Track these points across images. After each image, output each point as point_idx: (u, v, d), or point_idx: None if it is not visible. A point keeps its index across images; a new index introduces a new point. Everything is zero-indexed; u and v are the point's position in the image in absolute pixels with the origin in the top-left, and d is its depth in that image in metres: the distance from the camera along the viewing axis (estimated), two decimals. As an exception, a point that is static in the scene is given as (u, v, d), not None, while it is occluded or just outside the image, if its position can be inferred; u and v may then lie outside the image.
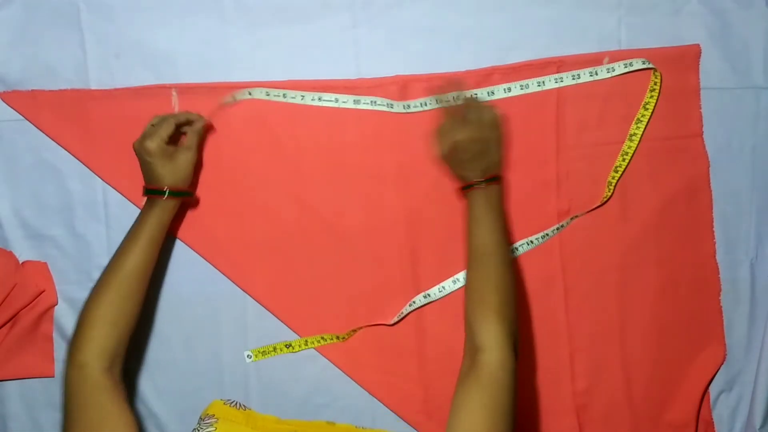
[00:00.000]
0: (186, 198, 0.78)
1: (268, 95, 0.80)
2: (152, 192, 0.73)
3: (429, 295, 0.83)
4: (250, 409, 0.73)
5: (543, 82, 0.80)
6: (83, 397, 0.63)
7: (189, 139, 0.76)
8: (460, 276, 0.83)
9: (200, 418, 0.70)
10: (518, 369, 0.64)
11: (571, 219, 0.84)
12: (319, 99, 0.80)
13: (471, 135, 0.73)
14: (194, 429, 0.67)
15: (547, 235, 0.84)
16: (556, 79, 0.80)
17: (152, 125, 0.75)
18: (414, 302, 0.83)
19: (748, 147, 0.85)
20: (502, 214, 0.74)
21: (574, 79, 0.80)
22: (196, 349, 0.86)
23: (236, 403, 0.73)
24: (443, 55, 0.81)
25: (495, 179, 0.75)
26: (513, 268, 0.72)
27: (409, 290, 0.84)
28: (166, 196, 0.73)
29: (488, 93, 0.80)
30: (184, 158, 0.75)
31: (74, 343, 0.67)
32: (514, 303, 0.69)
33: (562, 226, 0.84)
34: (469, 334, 0.67)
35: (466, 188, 0.75)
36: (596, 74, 0.80)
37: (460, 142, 0.73)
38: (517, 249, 0.83)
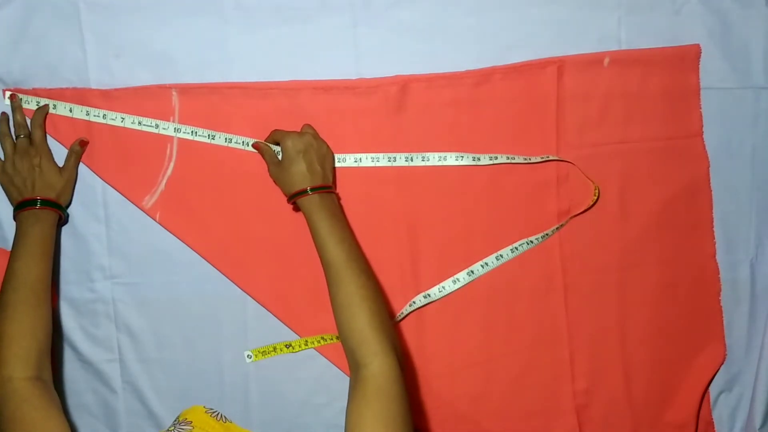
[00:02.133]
0: (61, 212, 0.80)
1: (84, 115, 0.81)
2: (47, 204, 0.78)
3: (429, 295, 0.83)
4: (231, 422, 0.73)
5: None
6: (11, 411, 0.63)
7: (70, 160, 0.81)
8: (461, 276, 0.83)
9: (177, 419, 0.70)
10: (405, 376, 0.63)
11: (570, 218, 0.84)
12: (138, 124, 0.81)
13: (294, 143, 0.74)
14: (168, 429, 0.66)
15: (547, 234, 0.84)
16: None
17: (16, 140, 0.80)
18: (414, 302, 0.83)
19: (748, 147, 0.85)
20: (345, 224, 0.74)
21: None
22: (196, 349, 0.86)
23: (218, 414, 0.73)
24: (443, 55, 0.81)
25: (327, 189, 0.75)
26: (372, 274, 0.71)
27: (409, 290, 0.84)
28: (38, 205, 0.77)
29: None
30: (68, 175, 0.80)
31: None
32: (385, 310, 0.68)
33: (561, 225, 0.84)
34: (348, 352, 0.66)
35: (295, 197, 0.74)
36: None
37: (289, 149, 0.74)
38: (517, 249, 0.83)
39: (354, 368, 0.65)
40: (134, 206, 0.83)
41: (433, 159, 0.81)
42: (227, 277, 0.84)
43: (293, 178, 0.75)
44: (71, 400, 0.87)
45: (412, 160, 0.81)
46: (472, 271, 0.84)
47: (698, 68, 0.83)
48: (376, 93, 0.81)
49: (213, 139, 0.81)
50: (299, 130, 0.78)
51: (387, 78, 0.81)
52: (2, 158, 0.80)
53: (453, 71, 0.81)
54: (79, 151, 0.81)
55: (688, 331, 0.87)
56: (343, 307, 0.68)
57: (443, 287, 0.84)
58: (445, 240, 0.84)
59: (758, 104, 0.84)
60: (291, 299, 0.84)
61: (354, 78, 0.81)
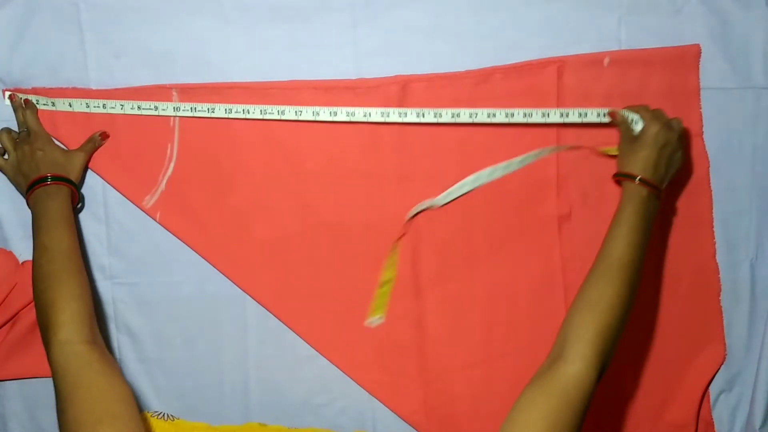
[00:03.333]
0: (73, 186, 0.79)
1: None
2: (57, 179, 0.77)
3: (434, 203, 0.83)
4: (178, 419, 0.73)
5: (548, 114, 0.78)
6: (74, 376, 0.61)
7: (87, 145, 0.81)
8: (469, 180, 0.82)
9: None
10: (596, 394, 0.61)
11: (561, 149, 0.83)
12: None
13: (659, 133, 0.72)
14: None
15: (545, 152, 0.83)
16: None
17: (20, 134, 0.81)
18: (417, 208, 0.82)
19: (748, 147, 0.85)
20: (645, 231, 0.70)
21: (580, 117, 0.78)
22: (196, 349, 0.86)
23: (164, 415, 0.73)
24: (443, 55, 0.81)
25: (657, 190, 0.72)
26: (634, 288, 0.68)
27: (409, 290, 0.84)
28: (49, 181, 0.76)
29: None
30: (80, 156, 0.80)
31: (50, 326, 0.65)
32: (619, 330, 0.65)
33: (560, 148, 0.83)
34: (560, 338, 0.64)
35: (621, 176, 0.73)
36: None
37: (650, 136, 0.72)
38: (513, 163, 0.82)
39: (555, 355, 0.63)
40: (134, 206, 0.83)
41: (411, 116, 0.79)
42: (227, 277, 0.84)
43: (637, 160, 0.72)
44: (71, 400, 0.87)
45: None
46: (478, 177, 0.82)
47: (698, 68, 0.83)
48: (376, 93, 0.81)
49: (213, 112, 0.80)
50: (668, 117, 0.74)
51: (387, 78, 0.81)
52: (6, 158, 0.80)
53: (453, 71, 0.81)
54: (98, 141, 0.81)
55: (688, 331, 0.87)
56: (588, 300, 0.66)
57: (450, 192, 0.82)
58: (445, 240, 0.84)
59: (758, 104, 0.84)
60: (291, 299, 0.84)
61: (354, 78, 0.81)
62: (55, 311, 0.65)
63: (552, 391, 0.59)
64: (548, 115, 0.78)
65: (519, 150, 0.82)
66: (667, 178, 0.74)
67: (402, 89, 0.81)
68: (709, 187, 0.85)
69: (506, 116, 0.79)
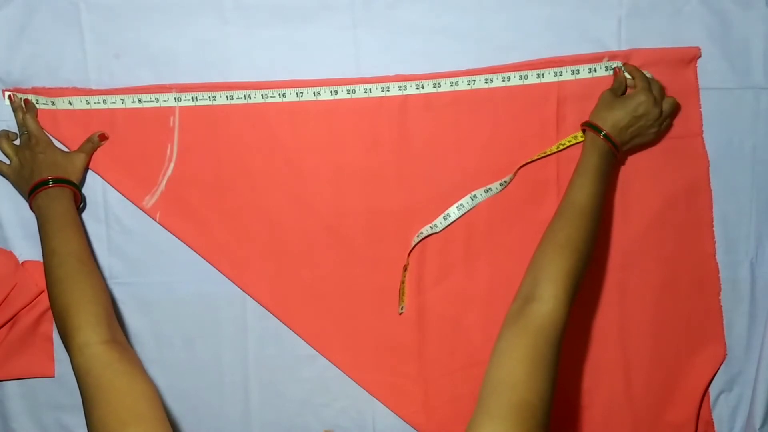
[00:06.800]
0: (75, 188, 0.79)
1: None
2: (59, 182, 0.77)
3: (435, 225, 0.83)
4: None
5: (542, 75, 0.80)
6: (95, 378, 0.60)
7: (86, 145, 0.81)
8: (464, 201, 0.83)
9: None
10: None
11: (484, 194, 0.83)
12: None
13: (647, 108, 0.75)
14: None
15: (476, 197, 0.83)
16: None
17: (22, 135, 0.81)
18: (421, 233, 0.83)
19: (748, 147, 0.85)
20: (606, 181, 0.74)
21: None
22: (196, 349, 0.86)
23: None
24: (443, 55, 0.81)
25: (617, 151, 0.76)
26: (596, 233, 0.71)
27: (410, 290, 0.84)
28: (51, 184, 0.76)
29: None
30: (79, 157, 0.80)
31: (67, 330, 0.64)
32: (585, 264, 0.68)
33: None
34: (529, 279, 0.66)
35: (589, 127, 0.76)
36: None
37: (634, 102, 0.76)
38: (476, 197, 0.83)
39: (525, 297, 0.64)
40: (134, 206, 0.83)
41: (411, 88, 0.80)
42: (227, 277, 0.84)
43: (609, 117, 0.76)
44: (71, 401, 0.87)
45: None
46: (475, 196, 0.83)
47: (696, 69, 0.82)
48: (376, 93, 0.81)
49: (214, 100, 0.80)
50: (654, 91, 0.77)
51: (387, 78, 0.81)
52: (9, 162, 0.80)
53: (453, 71, 0.81)
54: (96, 142, 0.81)
55: (688, 331, 0.87)
56: (556, 243, 0.68)
57: (448, 215, 0.83)
58: (445, 240, 0.84)
59: (758, 104, 0.84)
60: (291, 299, 0.84)
61: (354, 78, 0.81)
62: (71, 315, 0.65)
63: (529, 330, 0.61)
64: (543, 75, 0.81)
65: (518, 151, 0.82)
66: (629, 144, 0.78)
67: (402, 89, 0.80)
68: (709, 187, 0.85)
69: (503, 80, 0.80)
